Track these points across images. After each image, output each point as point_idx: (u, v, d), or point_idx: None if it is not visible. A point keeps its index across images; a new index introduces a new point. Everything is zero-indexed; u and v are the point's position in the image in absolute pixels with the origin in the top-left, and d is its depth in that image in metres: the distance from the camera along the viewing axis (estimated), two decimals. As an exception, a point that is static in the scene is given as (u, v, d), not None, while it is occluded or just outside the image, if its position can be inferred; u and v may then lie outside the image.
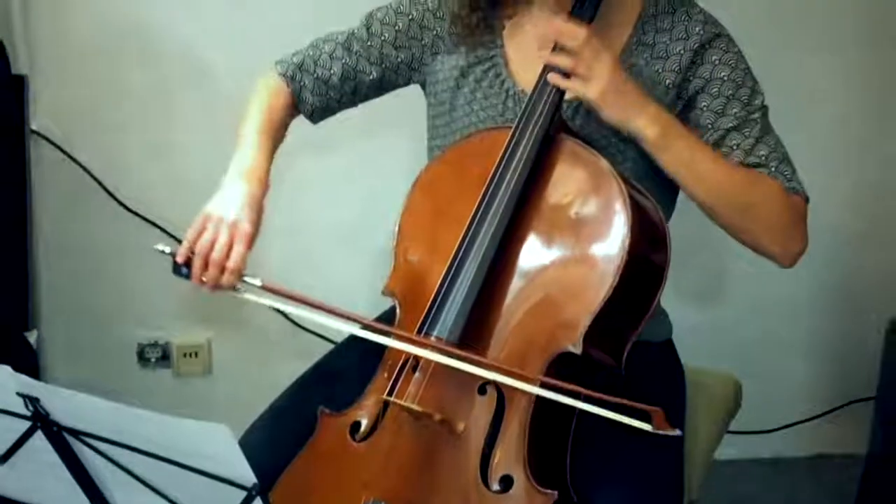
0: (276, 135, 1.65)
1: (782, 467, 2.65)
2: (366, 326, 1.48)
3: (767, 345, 2.60)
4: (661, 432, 1.32)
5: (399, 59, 1.70)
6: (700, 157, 1.51)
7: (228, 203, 1.50)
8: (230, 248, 1.47)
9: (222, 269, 1.47)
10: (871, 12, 2.50)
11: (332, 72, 1.69)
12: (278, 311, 2.45)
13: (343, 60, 1.69)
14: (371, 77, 1.70)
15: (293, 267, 2.22)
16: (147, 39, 2.37)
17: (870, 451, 2.54)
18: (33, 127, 2.28)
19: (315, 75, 1.70)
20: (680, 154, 1.50)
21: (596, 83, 1.45)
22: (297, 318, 2.49)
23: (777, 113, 1.59)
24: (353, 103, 1.75)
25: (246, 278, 1.47)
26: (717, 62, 1.57)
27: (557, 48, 1.48)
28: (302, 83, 1.70)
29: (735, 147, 1.55)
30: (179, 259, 1.47)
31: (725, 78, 1.56)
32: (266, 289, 1.45)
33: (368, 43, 1.69)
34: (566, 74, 1.47)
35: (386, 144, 2.38)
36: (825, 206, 2.46)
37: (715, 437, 1.78)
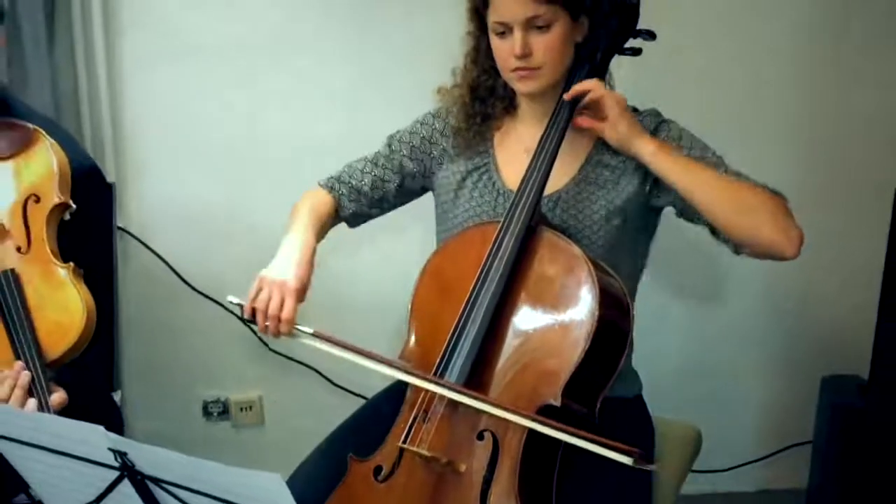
0: (320, 229, 1.70)
1: (734, 501, 2.63)
2: (399, 369, 1.50)
3: (722, 398, 2.58)
4: (639, 467, 1.34)
5: (414, 169, 1.76)
6: (693, 166, 1.54)
7: (279, 268, 1.56)
8: (282, 302, 1.53)
9: (279, 320, 1.54)
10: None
11: (363, 182, 1.76)
12: (316, 371, 2.52)
13: (372, 173, 1.76)
14: (394, 184, 1.76)
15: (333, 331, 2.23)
16: (205, 152, 2.41)
17: (809, 487, 2.55)
18: (119, 224, 2.29)
19: (350, 185, 1.76)
20: (676, 164, 1.52)
21: (610, 107, 1.53)
22: (333, 376, 2.52)
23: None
24: (381, 209, 1.80)
25: (299, 327, 1.53)
26: (667, 138, 1.61)
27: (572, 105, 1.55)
28: (340, 192, 1.76)
29: None
30: (246, 315, 1.55)
31: (679, 145, 1.60)
32: (317, 335, 1.52)
33: (391, 157, 1.77)
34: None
35: (404, 238, 2.38)
36: (771, 280, 2.50)
37: (680, 476, 1.77)
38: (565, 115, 1.57)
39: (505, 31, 1.56)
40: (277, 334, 1.55)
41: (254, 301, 1.54)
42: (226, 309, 2.40)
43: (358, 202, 1.77)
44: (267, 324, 1.54)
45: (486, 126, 1.72)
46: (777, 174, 2.41)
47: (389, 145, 1.78)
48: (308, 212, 1.70)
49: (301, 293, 1.56)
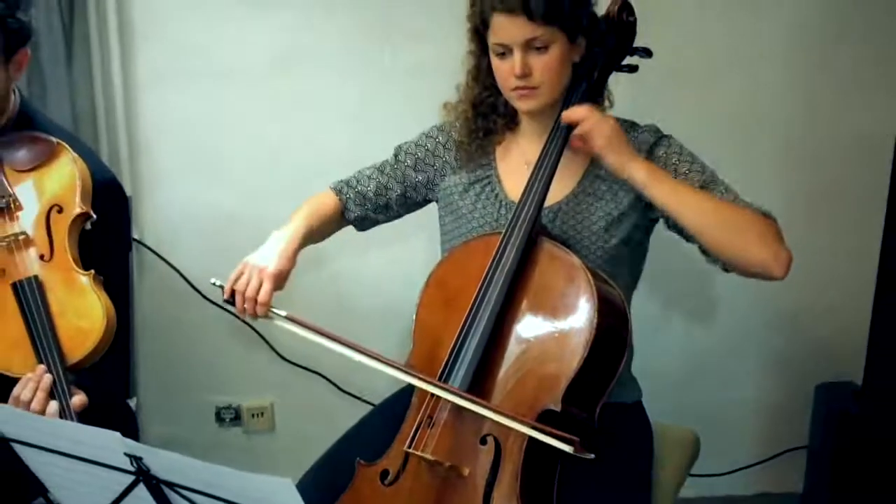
0: (317, 228, 1.73)
1: None
2: (364, 353, 1.51)
3: (720, 404, 2.58)
4: (578, 455, 1.36)
5: (418, 180, 1.78)
6: (683, 189, 1.54)
7: (261, 255, 1.61)
8: (260, 286, 1.57)
9: (255, 302, 1.56)
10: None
11: (368, 188, 1.79)
12: (326, 378, 2.52)
13: (377, 180, 1.79)
14: (396, 193, 1.78)
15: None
16: (218, 166, 2.43)
17: (804, 491, 2.55)
18: (135, 236, 2.32)
19: (356, 190, 1.79)
20: (667, 188, 1.52)
21: (599, 138, 1.52)
22: (341, 383, 2.53)
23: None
24: (386, 216, 1.83)
25: (274, 310, 1.57)
26: (666, 154, 1.62)
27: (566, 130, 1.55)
28: (347, 195, 1.79)
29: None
30: (225, 296, 1.59)
31: (678, 161, 1.61)
32: (290, 318, 1.55)
33: (396, 166, 1.79)
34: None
35: (409, 246, 2.38)
36: (765, 290, 2.50)
37: (678, 480, 1.77)
38: (562, 135, 1.58)
39: (505, 51, 1.57)
40: (254, 315, 1.58)
41: (234, 283, 1.58)
42: (238, 318, 2.39)
43: (363, 206, 1.80)
44: (245, 306, 1.57)
45: (488, 140, 1.73)
46: (771, 188, 2.45)
47: (396, 155, 1.81)
48: (307, 211, 1.74)
49: (278, 278, 1.59)
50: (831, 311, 2.58)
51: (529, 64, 1.56)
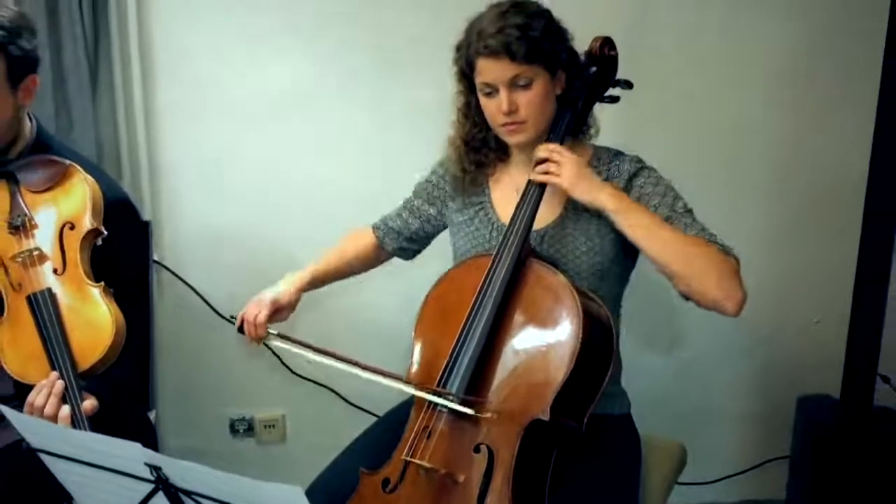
0: (340, 263, 1.88)
1: None
2: (351, 363, 1.59)
3: (706, 416, 2.58)
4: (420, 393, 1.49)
5: (430, 213, 1.85)
6: (650, 220, 1.55)
7: (269, 291, 1.75)
8: (258, 314, 1.70)
9: (254, 326, 1.70)
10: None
11: (396, 223, 1.90)
12: (335, 392, 2.52)
13: (402, 216, 1.89)
14: (416, 226, 1.88)
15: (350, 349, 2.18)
16: (231, 192, 2.43)
17: (787, 498, 2.55)
18: (155, 258, 2.29)
19: (388, 226, 1.91)
20: (635, 217, 1.54)
21: (565, 174, 1.55)
22: (349, 396, 2.53)
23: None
24: (420, 244, 1.92)
25: (270, 331, 1.70)
26: (643, 184, 1.62)
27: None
28: (382, 231, 1.91)
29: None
30: (237, 324, 1.73)
31: (651, 192, 1.61)
32: (281, 336, 1.68)
33: (412, 202, 1.87)
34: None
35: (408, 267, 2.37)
36: (749, 309, 2.52)
37: (666, 488, 1.78)
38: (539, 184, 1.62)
39: (491, 90, 1.61)
40: (255, 337, 1.71)
41: (243, 314, 1.73)
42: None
43: (396, 239, 1.91)
44: (246, 328, 1.71)
45: (480, 172, 1.76)
46: (755, 213, 2.46)
47: (414, 192, 1.89)
48: (334, 249, 1.90)
49: (273, 305, 1.72)
50: (810, 330, 2.58)
51: (515, 101, 1.59)
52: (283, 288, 1.77)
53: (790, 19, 2.41)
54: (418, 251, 1.94)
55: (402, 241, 1.90)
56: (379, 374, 1.56)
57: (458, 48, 1.65)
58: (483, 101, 1.64)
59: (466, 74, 1.66)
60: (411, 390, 1.56)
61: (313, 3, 2.35)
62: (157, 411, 2.19)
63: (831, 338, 2.46)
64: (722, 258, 1.54)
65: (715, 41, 2.42)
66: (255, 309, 1.71)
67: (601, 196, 1.54)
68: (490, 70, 1.59)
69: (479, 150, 1.74)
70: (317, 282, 1.84)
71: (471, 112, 1.71)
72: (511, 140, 1.66)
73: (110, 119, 2.34)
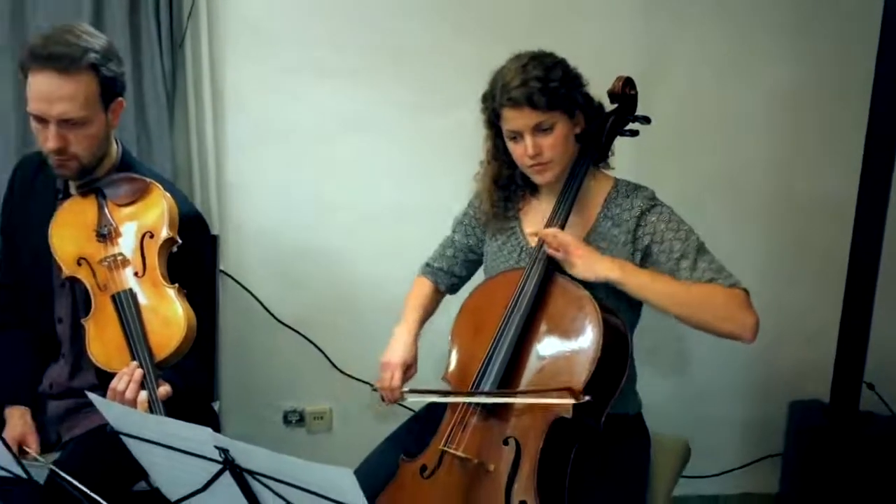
0: (424, 310, 1.82)
1: (719, 503, 2.61)
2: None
3: (708, 417, 2.55)
4: (581, 401, 1.41)
5: (470, 244, 1.83)
6: (653, 281, 1.53)
7: (390, 352, 1.70)
8: (392, 378, 1.66)
9: (391, 390, 1.66)
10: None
11: (444, 263, 1.85)
12: (374, 388, 2.54)
13: (446, 254, 1.86)
14: (461, 259, 1.85)
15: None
16: (290, 210, 2.44)
17: (779, 492, 2.54)
18: (221, 268, 2.32)
19: (437, 268, 1.86)
20: (639, 282, 1.52)
21: (565, 255, 1.55)
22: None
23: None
24: (468, 274, 1.88)
25: (403, 390, 1.66)
26: (655, 221, 1.59)
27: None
28: (436, 275, 1.86)
29: (684, 269, 1.55)
30: (378, 391, 1.69)
31: (664, 229, 1.58)
32: (412, 391, 1.66)
33: (453, 238, 1.85)
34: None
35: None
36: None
37: (672, 481, 1.77)
38: (570, 199, 1.62)
39: (516, 136, 1.60)
40: (392, 400, 1.67)
41: (379, 381, 1.68)
42: (304, 337, 2.48)
43: (449, 278, 1.86)
44: (385, 394, 1.68)
45: (510, 205, 1.75)
46: (755, 235, 2.43)
47: (454, 230, 1.87)
48: (413, 302, 1.82)
49: (403, 366, 1.68)
50: (803, 338, 2.55)
51: (539, 144, 1.58)
52: (403, 346, 1.71)
53: (798, 63, 2.38)
54: (465, 282, 1.89)
55: (453, 276, 1.86)
56: (494, 396, 1.52)
57: (485, 99, 1.64)
58: (510, 145, 1.63)
59: (493, 122, 1.65)
60: (472, 400, 1.53)
61: (363, 39, 2.35)
62: (220, 403, 2.20)
63: (822, 348, 2.42)
64: (728, 296, 1.51)
65: (723, 82, 2.40)
66: (389, 374, 1.66)
67: (601, 270, 1.52)
68: (515, 119, 1.58)
69: (507, 187, 1.73)
70: (420, 330, 1.79)
71: (499, 154, 1.69)
72: (538, 179, 1.65)
73: (184, 145, 2.36)
